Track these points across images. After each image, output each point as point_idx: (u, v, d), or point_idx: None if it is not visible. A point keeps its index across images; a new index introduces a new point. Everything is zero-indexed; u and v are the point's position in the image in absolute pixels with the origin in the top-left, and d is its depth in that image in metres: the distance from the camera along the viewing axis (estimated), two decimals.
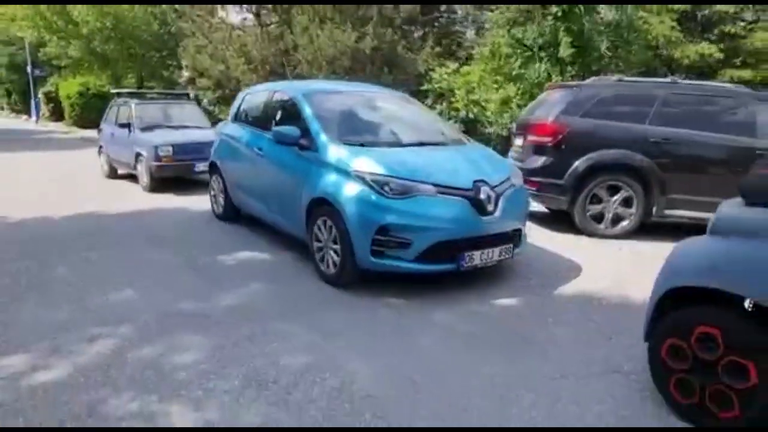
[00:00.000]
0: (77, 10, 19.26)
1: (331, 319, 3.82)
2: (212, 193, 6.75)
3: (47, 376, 2.99)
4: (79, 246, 5.51)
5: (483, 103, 13.32)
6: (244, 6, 20.24)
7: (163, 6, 21.90)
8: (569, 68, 10.52)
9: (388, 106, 5.43)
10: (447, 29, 18.93)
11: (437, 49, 17.58)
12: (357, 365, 3.17)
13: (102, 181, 9.88)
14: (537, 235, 6.24)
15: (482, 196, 4.13)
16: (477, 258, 4.13)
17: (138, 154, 8.48)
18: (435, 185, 4.05)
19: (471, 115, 14.00)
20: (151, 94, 11.31)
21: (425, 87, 16.39)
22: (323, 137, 4.56)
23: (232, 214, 6.39)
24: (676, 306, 2.66)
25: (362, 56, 17.61)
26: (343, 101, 5.22)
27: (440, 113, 16.47)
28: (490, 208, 4.16)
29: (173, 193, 8.36)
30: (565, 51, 9.98)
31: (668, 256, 2.76)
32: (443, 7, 19.50)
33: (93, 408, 2.69)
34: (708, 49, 10.59)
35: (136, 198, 8.14)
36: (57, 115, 31.09)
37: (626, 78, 6.57)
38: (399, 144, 4.67)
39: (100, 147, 10.37)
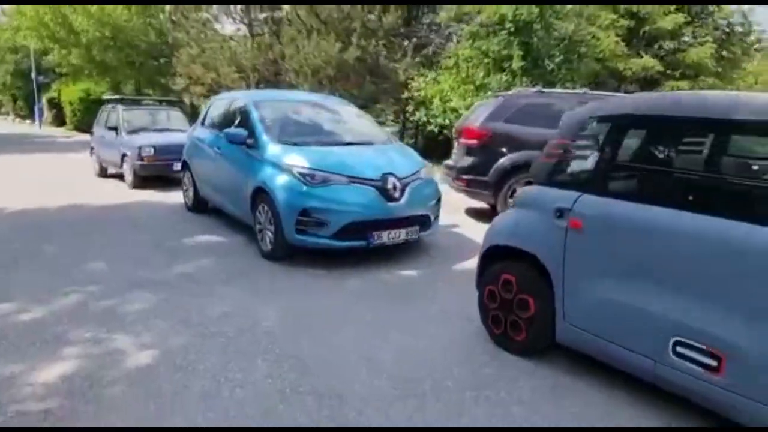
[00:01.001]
0: (78, 21, 20.33)
1: (260, 284, 4.72)
2: (184, 188, 7.67)
3: (27, 317, 3.90)
4: (66, 230, 6.44)
5: (459, 111, 14.19)
6: (237, 16, 21.31)
7: (161, 17, 22.97)
8: (524, 79, 11.42)
9: (328, 112, 6.36)
10: (428, 40, 19.85)
11: (418, 59, 18.52)
12: (268, 314, 4.07)
13: (93, 180, 10.83)
14: (466, 225, 7.16)
15: (389, 185, 5.04)
16: (384, 237, 5.03)
17: (124, 155, 9.43)
18: (348, 176, 4.97)
19: (448, 121, 14.87)
20: (146, 101, 12.32)
21: (406, 95, 17.26)
22: (264, 137, 5.49)
23: (200, 205, 7.31)
24: (492, 261, 3.56)
25: (346, 66, 18.57)
26: (288, 108, 6.16)
27: (420, 120, 17.46)
28: (396, 195, 5.07)
29: (155, 189, 9.29)
30: (516, 63, 10.91)
31: (490, 225, 3.66)
32: (426, 19, 20.52)
33: (58, 336, 3.59)
34: (650, 62, 11.51)
35: (121, 193, 9.08)
36: (59, 120, 32.25)
37: (544, 89, 7.48)
38: (328, 143, 5.59)
39: (92, 148, 11.35)
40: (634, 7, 11.31)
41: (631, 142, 2.90)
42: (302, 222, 4.91)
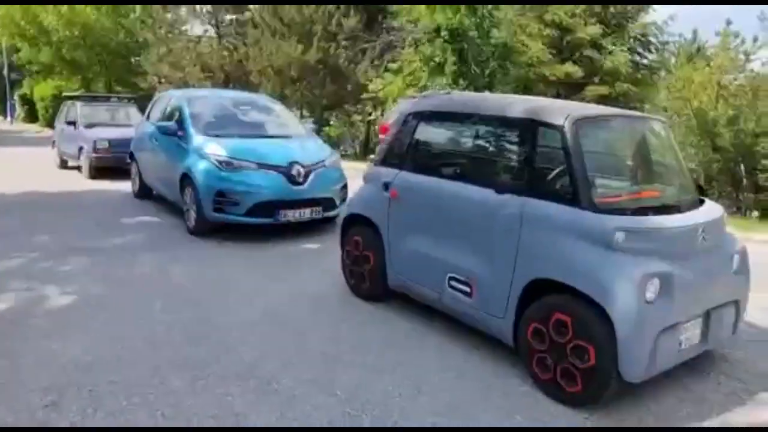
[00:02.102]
0: (47, 19, 20.90)
1: (179, 253, 5.59)
2: (132, 176, 8.49)
3: None
4: (19, 211, 7.25)
5: None
6: (205, 18, 22.06)
7: (131, 16, 23.60)
8: (460, 81, 12.42)
9: (254, 109, 7.25)
10: (387, 43, 20.77)
11: (376, 62, 19.44)
12: (178, 273, 4.94)
13: (54, 171, 11.55)
14: None
15: (294, 171, 5.94)
16: (290, 215, 5.94)
17: (80, 147, 10.20)
18: (258, 163, 5.86)
19: None
20: (111, 98, 13.07)
21: (365, 96, 18.15)
22: (191, 130, 6.36)
23: (145, 192, 8.13)
24: (349, 227, 4.48)
25: (308, 67, 19.45)
26: (216, 104, 7.04)
27: (377, 119, 18.36)
28: (300, 180, 5.97)
29: (109, 179, 10.04)
30: (449, 68, 11.90)
31: (349, 198, 4.59)
32: (385, 24, 21.44)
33: None
34: (572, 68, 12.61)
35: (78, 183, 9.86)
36: (32, 116, 32.50)
37: (455, 92, 8.44)
38: (247, 136, 6.48)
39: (53, 142, 12.07)
40: (558, 18, 12.42)
41: (428, 130, 3.85)
42: (218, 202, 5.79)
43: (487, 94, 4.19)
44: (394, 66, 14.36)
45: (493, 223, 3.21)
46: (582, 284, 2.78)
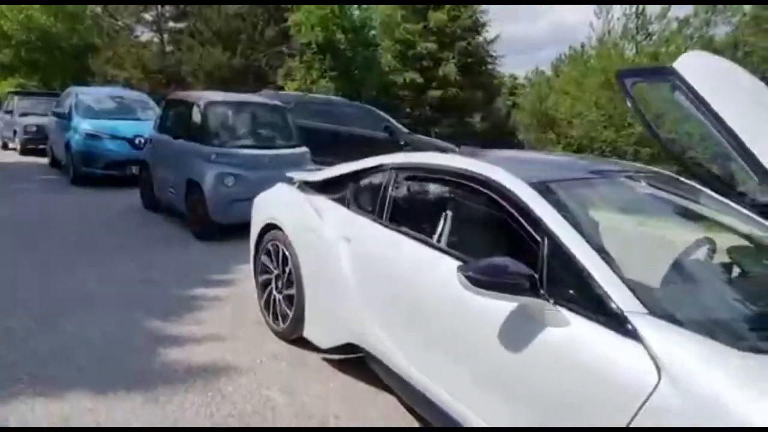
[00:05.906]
0: (6, 25, 23.74)
1: (56, 190, 8.71)
2: (47, 151, 11.56)
3: None
4: None
5: None
6: (149, 26, 25.13)
7: (87, 22, 26.50)
8: (331, 85, 15.64)
9: (126, 101, 10.38)
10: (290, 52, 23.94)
11: (290, 66, 22.60)
12: (54, 200, 8.05)
13: None
14: None
15: (137, 141, 9.09)
16: (134, 169, 9.02)
17: (15, 131, 13.22)
18: (112, 135, 9.01)
19: None
20: (49, 93, 16.06)
21: None
22: (74, 113, 9.48)
23: (56, 162, 11.18)
24: (141, 168, 7.64)
25: (235, 71, 22.59)
26: (97, 97, 10.17)
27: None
28: (142, 146, 9.10)
29: (38, 156, 13.08)
30: (315, 74, 15.14)
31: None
32: None
33: None
34: (414, 76, 15.93)
35: (12, 158, 12.88)
36: None
37: (308, 94, 11.60)
38: (112, 118, 9.60)
39: None
40: (403, 36, 15.73)
41: (168, 109, 7.06)
42: (85, 160, 8.93)
43: (201, 91, 7.49)
44: (281, 71, 17.53)
45: (176, 155, 6.42)
46: (196, 178, 5.98)
